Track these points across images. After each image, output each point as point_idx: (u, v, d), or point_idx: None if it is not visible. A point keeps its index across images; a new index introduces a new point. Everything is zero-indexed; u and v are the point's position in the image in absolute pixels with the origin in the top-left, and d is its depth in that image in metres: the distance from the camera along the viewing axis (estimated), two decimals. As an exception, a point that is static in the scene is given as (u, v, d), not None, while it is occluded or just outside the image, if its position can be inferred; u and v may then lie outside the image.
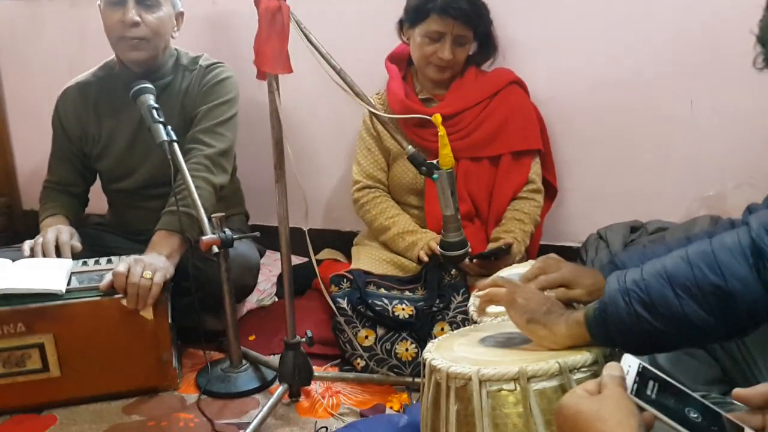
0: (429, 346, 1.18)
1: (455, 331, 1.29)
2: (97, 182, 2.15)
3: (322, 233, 2.47)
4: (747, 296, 0.87)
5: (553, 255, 1.36)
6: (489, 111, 2.00)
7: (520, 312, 1.06)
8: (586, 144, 2.16)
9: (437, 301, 1.76)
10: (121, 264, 1.60)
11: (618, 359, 0.78)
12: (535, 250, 2.10)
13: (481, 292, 1.13)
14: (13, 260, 1.73)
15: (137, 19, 1.83)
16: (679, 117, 2.05)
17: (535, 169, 2.04)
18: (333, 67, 1.36)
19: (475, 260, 1.82)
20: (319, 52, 1.35)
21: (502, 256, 1.82)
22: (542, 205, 2.04)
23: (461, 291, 1.77)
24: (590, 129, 2.14)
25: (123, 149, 2.00)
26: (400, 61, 2.08)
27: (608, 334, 0.97)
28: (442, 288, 1.80)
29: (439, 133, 1.33)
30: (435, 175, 1.36)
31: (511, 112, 2.00)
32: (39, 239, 1.82)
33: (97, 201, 2.18)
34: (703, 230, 1.38)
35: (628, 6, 2.02)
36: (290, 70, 1.33)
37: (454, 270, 1.81)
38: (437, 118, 1.33)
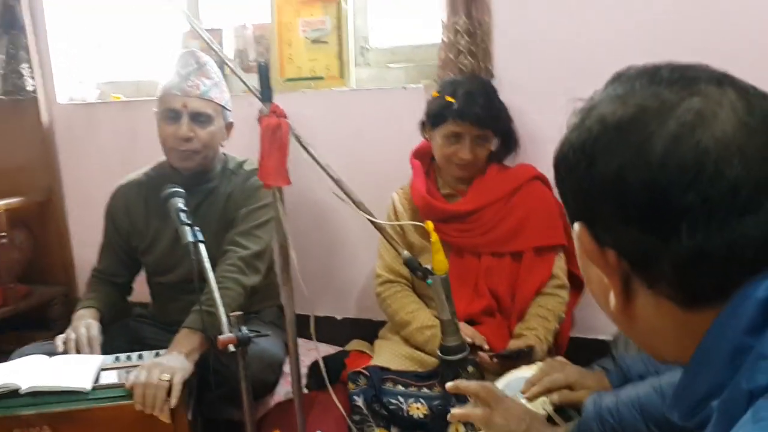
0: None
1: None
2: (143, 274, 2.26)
3: (355, 322, 2.51)
4: None
5: (559, 358, 1.37)
6: (510, 207, 2.00)
7: None
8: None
9: (453, 400, 1.74)
10: (141, 372, 1.66)
11: None
12: (565, 342, 2.06)
13: (457, 411, 1.13)
14: (51, 354, 1.83)
15: (190, 135, 1.97)
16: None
17: (560, 264, 2.01)
18: (331, 177, 1.42)
19: (495, 360, 1.80)
20: (319, 164, 1.42)
21: (523, 357, 1.79)
22: (567, 300, 2.00)
23: (477, 389, 1.75)
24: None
25: (167, 246, 2.11)
26: (424, 156, 2.13)
27: None
28: (458, 385, 1.78)
29: (432, 240, 1.35)
30: (429, 280, 1.37)
31: (533, 208, 2.00)
32: (72, 335, 1.91)
33: (142, 290, 2.29)
34: None
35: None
36: (288, 183, 1.40)
37: (471, 367, 1.79)
38: (429, 225, 1.37)
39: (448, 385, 1.18)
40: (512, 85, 2.07)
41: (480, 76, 2.07)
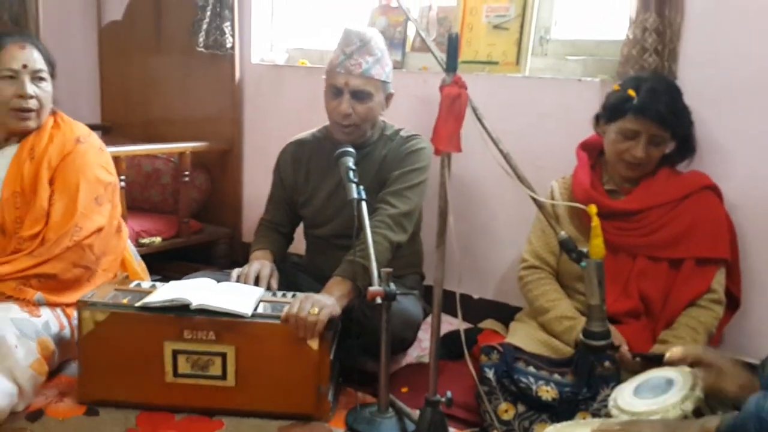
0: (549, 428, 1.22)
1: (580, 420, 1.31)
2: (301, 227, 2.44)
3: (490, 304, 2.56)
4: None
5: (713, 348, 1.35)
6: (677, 213, 1.95)
7: None
8: (781, 257, 2.02)
9: (585, 390, 1.75)
10: (296, 301, 1.82)
11: None
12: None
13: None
14: (218, 281, 2.05)
15: (349, 111, 2.11)
16: None
17: (719, 278, 1.94)
18: (500, 151, 1.48)
19: (637, 359, 1.78)
20: (490, 137, 1.48)
21: (666, 364, 1.75)
22: (721, 317, 1.93)
23: (611, 384, 1.73)
24: (788, 242, 2.01)
25: (323, 201, 2.27)
26: (592, 149, 2.11)
27: None
28: (592, 377, 1.78)
29: (592, 224, 1.38)
30: (583, 263, 1.40)
31: (700, 217, 1.94)
32: (245, 269, 2.12)
33: (298, 243, 2.48)
34: None
35: None
36: (459, 150, 1.47)
37: (608, 362, 1.79)
38: (592, 209, 1.39)
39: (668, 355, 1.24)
40: (695, 89, 2.00)
41: (666, 76, 2.03)
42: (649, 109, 1.86)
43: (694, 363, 1.31)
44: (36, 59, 2.04)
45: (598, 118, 2.05)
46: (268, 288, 2.08)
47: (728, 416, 1.02)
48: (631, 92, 1.88)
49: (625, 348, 1.80)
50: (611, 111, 1.95)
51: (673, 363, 1.32)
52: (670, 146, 1.99)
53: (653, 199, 1.97)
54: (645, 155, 1.91)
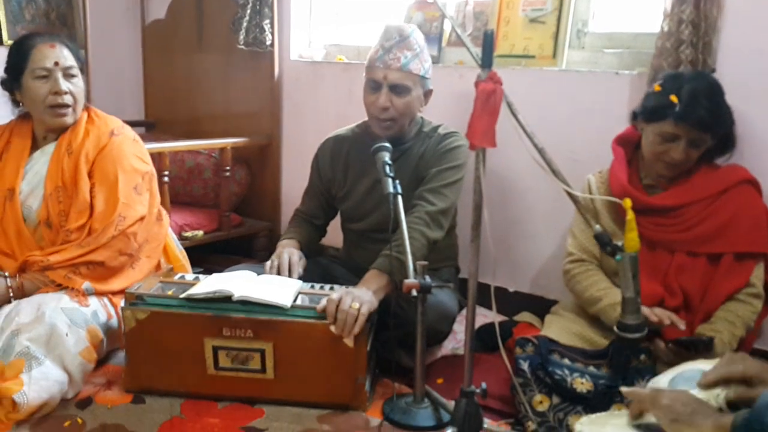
0: (584, 419, 1.24)
1: (615, 412, 1.32)
2: (338, 220, 2.49)
3: (526, 297, 2.57)
4: None
5: (742, 353, 1.35)
6: (715, 207, 1.94)
7: (665, 412, 1.09)
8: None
9: (620, 381, 1.75)
10: (335, 293, 1.87)
11: None
12: (747, 352, 1.97)
13: (626, 389, 1.18)
14: (258, 274, 2.10)
15: (387, 105, 2.14)
16: None
17: (758, 273, 1.92)
18: (535, 145, 1.49)
19: (670, 345, 1.78)
20: (525, 131, 1.49)
21: (701, 350, 1.75)
22: (759, 311, 1.92)
23: (646, 377, 1.74)
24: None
25: (361, 196, 2.31)
26: (628, 143, 2.10)
27: None
28: (627, 370, 1.79)
29: (627, 218, 1.39)
30: (618, 257, 1.41)
31: (739, 212, 1.92)
32: (275, 261, 2.17)
33: (336, 237, 2.53)
34: None
35: None
36: (494, 145, 1.49)
37: (643, 355, 1.79)
38: (627, 203, 1.39)
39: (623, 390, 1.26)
40: (732, 81, 1.97)
41: (707, 74, 1.99)
42: (689, 116, 1.83)
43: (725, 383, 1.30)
44: (66, 56, 2.13)
45: (635, 115, 2.03)
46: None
47: (744, 411, 1.04)
48: (674, 98, 1.84)
49: (681, 327, 1.78)
50: (651, 113, 1.92)
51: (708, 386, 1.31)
52: (710, 143, 1.97)
53: (691, 194, 1.95)
54: (684, 157, 1.90)
